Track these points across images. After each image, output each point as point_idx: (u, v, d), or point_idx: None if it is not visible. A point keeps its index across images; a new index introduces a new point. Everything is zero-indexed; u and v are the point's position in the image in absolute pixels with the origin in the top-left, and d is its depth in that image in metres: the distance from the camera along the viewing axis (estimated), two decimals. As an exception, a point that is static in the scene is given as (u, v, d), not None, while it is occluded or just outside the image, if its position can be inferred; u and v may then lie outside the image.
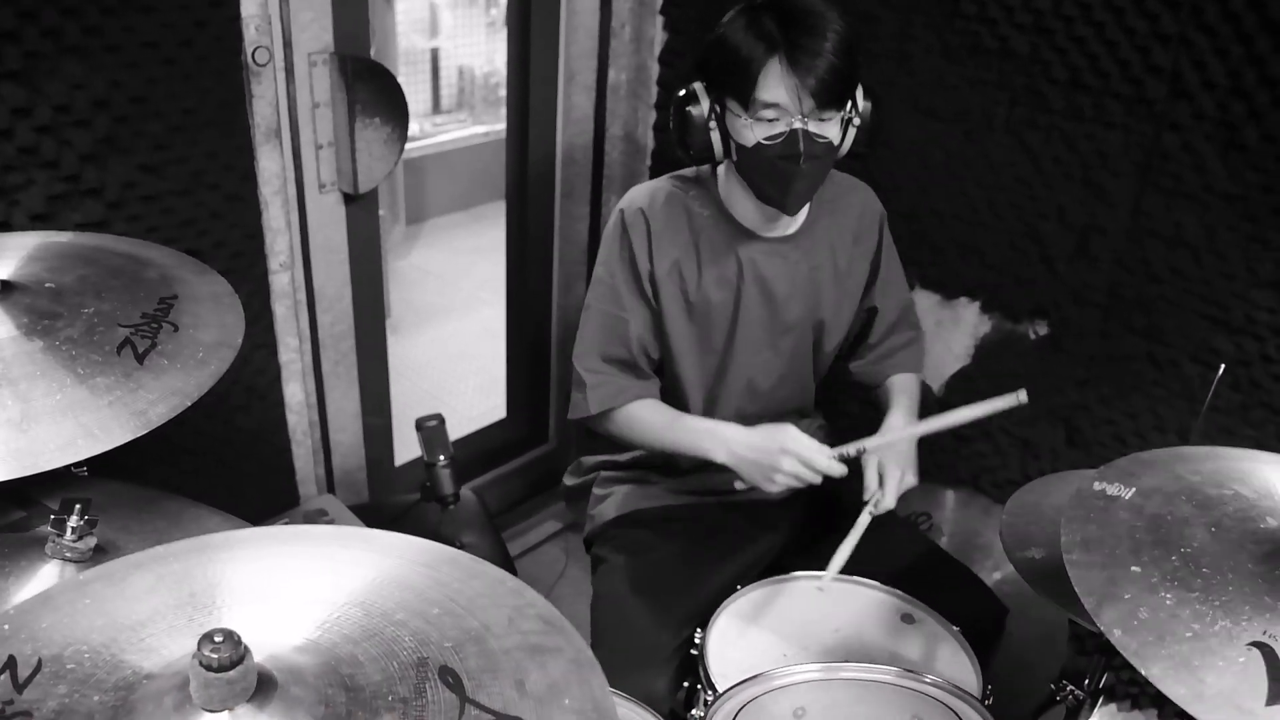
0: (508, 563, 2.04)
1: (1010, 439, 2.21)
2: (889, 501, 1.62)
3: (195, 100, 1.70)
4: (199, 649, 0.72)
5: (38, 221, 1.57)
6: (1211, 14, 1.71)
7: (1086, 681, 1.58)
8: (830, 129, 1.52)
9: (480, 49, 5.22)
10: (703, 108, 1.57)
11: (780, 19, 1.48)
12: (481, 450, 2.82)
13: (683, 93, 1.60)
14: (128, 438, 1.07)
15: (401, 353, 3.89)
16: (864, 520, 1.61)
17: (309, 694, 0.77)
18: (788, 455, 1.56)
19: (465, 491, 2.08)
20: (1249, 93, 1.71)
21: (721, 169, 1.71)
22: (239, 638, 0.74)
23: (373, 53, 2.22)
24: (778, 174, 1.54)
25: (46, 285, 1.23)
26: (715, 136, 1.58)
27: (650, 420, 1.73)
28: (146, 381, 1.13)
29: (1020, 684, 1.86)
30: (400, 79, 2.06)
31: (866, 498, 1.64)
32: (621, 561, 1.78)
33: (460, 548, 2.03)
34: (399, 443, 2.57)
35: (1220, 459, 1.21)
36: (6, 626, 0.85)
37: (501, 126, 2.90)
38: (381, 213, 2.66)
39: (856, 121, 1.56)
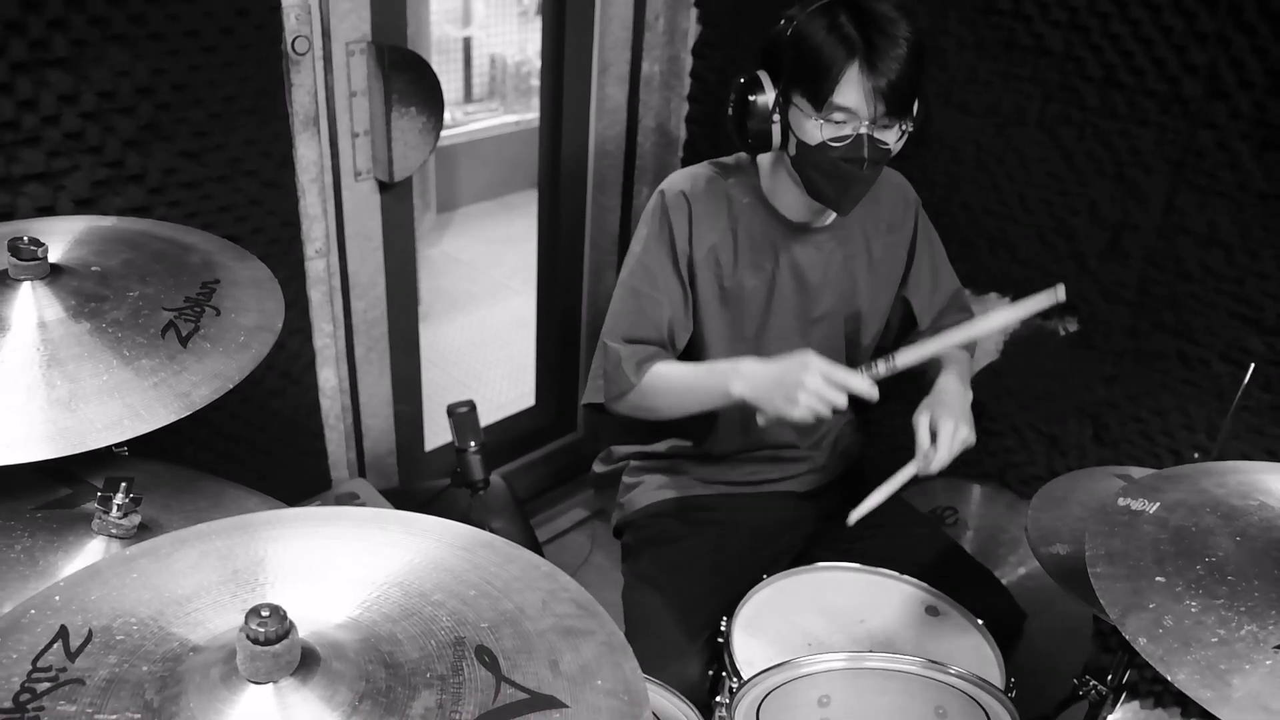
0: (536, 548, 2.06)
1: (1037, 435, 2.21)
2: (943, 458, 1.53)
3: (235, 88, 1.72)
4: (246, 623, 0.75)
5: (82, 206, 1.61)
6: (1250, 12, 1.70)
7: (1109, 677, 1.58)
8: (890, 135, 1.52)
9: (513, 38, 5.23)
10: (767, 98, 1.56)
11: (859, 22, 1.46)
12: (510, 437, 2.85)
13: (744, 80, 1.58)
14: (172, 419, 1.10)
15: (431, 340, 3.91)
16: (905, 473, 1.53)
17: (350, 669, 0.79)
18: (810, 371, 1.47)
19: (495, 477, 2.11)
20: (1287, 91, 1.71)
21: (765, 159, 1.71)
22: (284, 613, 0.76)
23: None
24: (839, 175, 1.54)
25: (93, 269, 1.25)
26: (776, 128, 1.57)
27: (670, 373, 1.69)
28: (190, 364, 1.15)
29: (1043, 678, 1.87)
30: (432, 67, 2.08)
31: (918, 456, 1.55)
32: (652, 551, 1.80)
33: (490, 533, 2.06)
34: (429, 428, 2.60)
35: (1245, 472, 1.22)
36: (58, 598, 0.88)
37: (533, 116, 2.92)
38: (413, 203, 2.69)
39: (909, 128, 1.55)
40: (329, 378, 2.11)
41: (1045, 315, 2.12)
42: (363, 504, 2.11)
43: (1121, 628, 1.00)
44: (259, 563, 0.92)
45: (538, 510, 2.87)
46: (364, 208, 2.10)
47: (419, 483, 2.47)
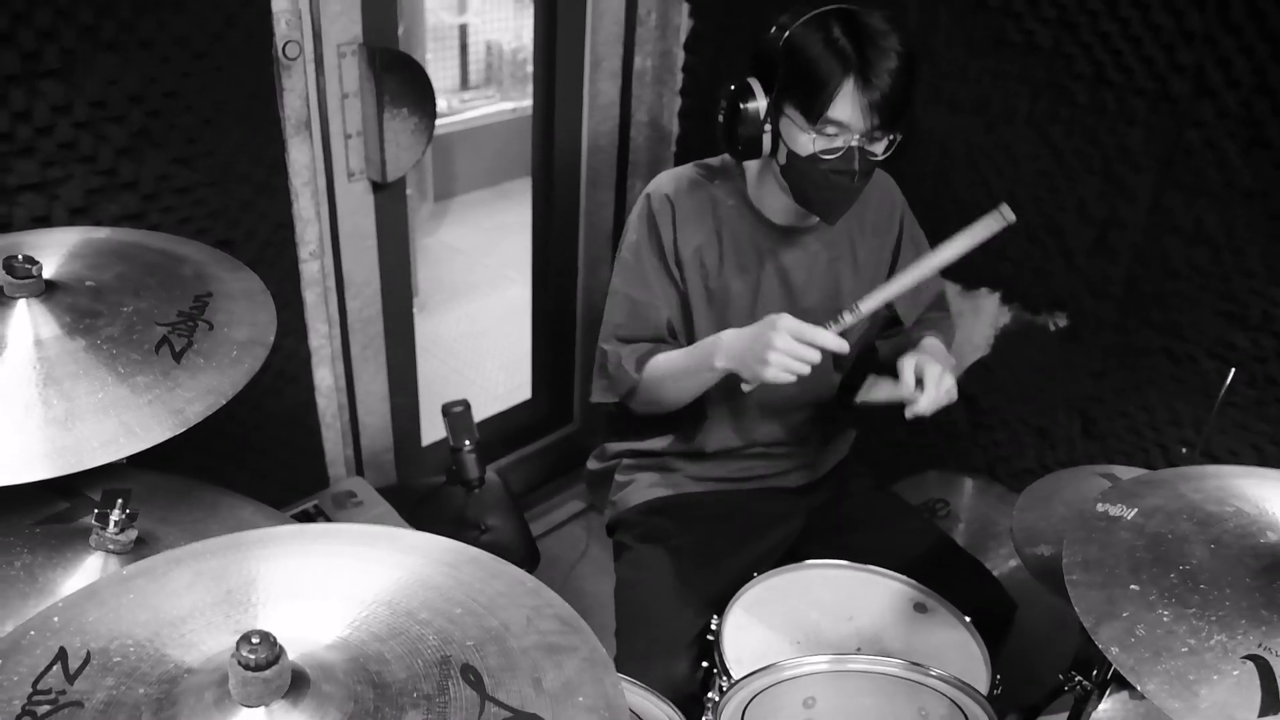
0: (530, 545, 2.09)
1: (1027, 428, 2.23)
2: (931, 397, 1.56)
3: (227, 94, 1.74)
4: (238, 649, 0.77)
5: (77, 215, 1.62)
6: (1237, 11, 1.71)
7: (1094, 672, 1.60)
8: (880, 146, 1.54)
9: (508, 24, 5.22)
10: (759, 106, 1.56)
11: (853, 35, 1.47)
12: (507, 431, 2.87)
13: (735, 87, 1.58)
14: (166, 435, 1.12)
15: (429, 330, 3.94)
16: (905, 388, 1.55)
17: (339, 690, 0.81)
18: (778, 331, 1.51)
19: (490, 474, 2.13)
20: (1273, 90, 1.72)
21: (752, 164, 1.72)
22: (274, 639, 0.78)
23: (401, 30, 2.24)
24: (829, 187, 1.55)
25: (87, 284, 1.27)
26: (767, 137, 1.58)
27: (666, 362, 1.72)
28: (184, 380, 1.17)
29: (1031, 673, 1.89)
30: (428, 55, 2.10)
31: (906, 398, 1.58)
32: (644, 550, 1.82)
33: (484, 530, 2.10)
34: (426, 423, 2.62)
35: (1223, 476, 1.23)
36: (56, 619, 0.90)
37: (529, 103, 2.94)
38: (409, 191, 2.69)
39: (898, 138, 1.56)
40: (325, 377, 2.14)
41: (1034, 310, 2.14)
42: (360, 502, 2.14)
43: (1095, 637, 1.02)
44: (251, 582, 0.94)
45: (535, 503, 2.90)
46: (357, 208, 2.12)
47: (416, 479, 2.50)
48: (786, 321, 1.51)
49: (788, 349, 1.50)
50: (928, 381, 1.57)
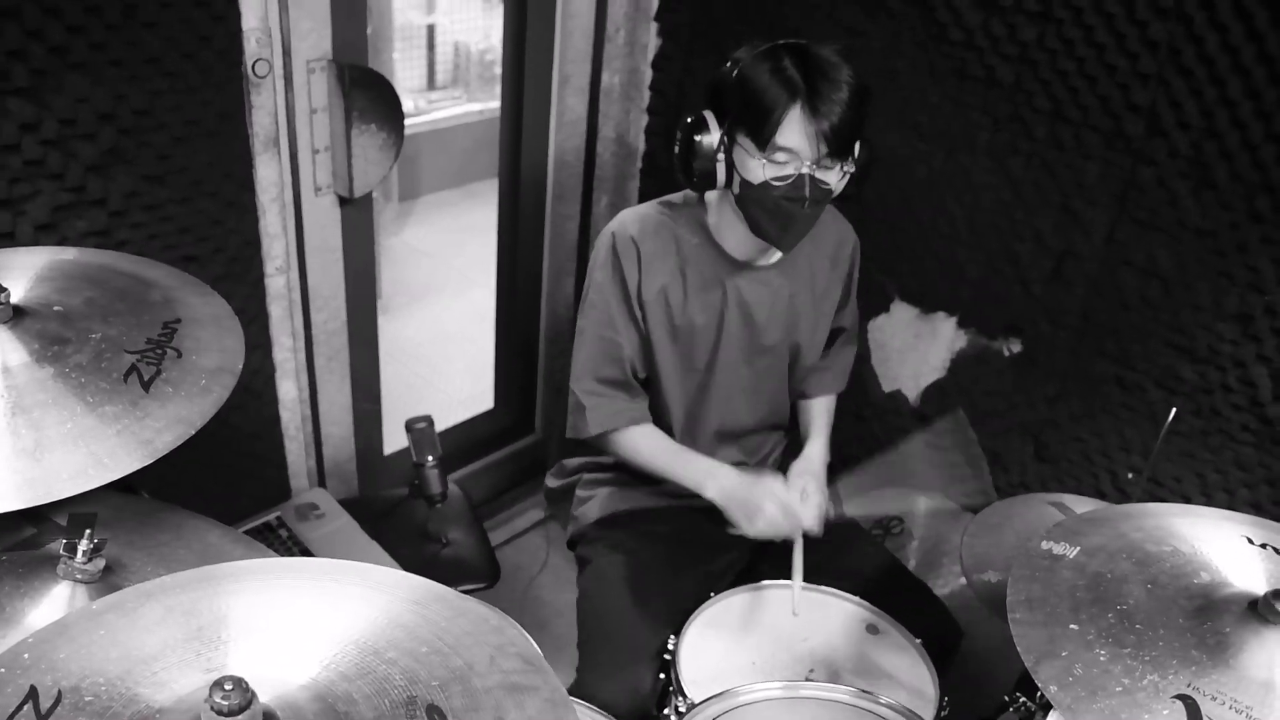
0: (491, 560, 2.10)
1: (981, 451, 2.28)
2: (817, 526, 1.74)
3: (197, 112, 1.74)
4: (210, 695, 0.79)
5: (43, 231, 1.62)
6: (1188, 56, 1.77)
7: (1039, 694, 1.65)
8: (832, 176, 1.58)
9: (477, 24, 5.21)
10: (713, 138, 1.61)
11: (803, 65, 1.52)
12: (469, 440, 2.89)
13: (690, 119, 1.63)
14: (135, 467, 1.12)
15: (393, 334, 3.93)
16: (799, 550, 1.73)
17: (308, 732, 0.83)
18: (771, 501, 1.68)
19: (453, 489, 2.15)
20: (1221, 134, 1.77)
21: (712, 197, 1.76)
22: (246, 684, 0.80)
23: (369, 31, 2.24)
24: (781, 214, 1.59)
25: (55, 309, 1.27)
26: (721, 167, 1.62)
27: (651, 449, 1.83)
28: (153, 410, 1.18)
29: (978, 693, 1.94)
30: (395, 55, 2.10)
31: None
32: (605, 563, 1.85)
33: (446, 544, 2.11)
34: (388, 431, 2.63)
35: (1161, 515, 1.28)
36: (27, 656, 0.91)
37: (496, 104, 2.96)
38: (374, 195, 2.68)
39: (850, 169, 1.61)
40: (289, 390, 2.14)
41: (990, 335, 2.19)
42: (322, 514, 2.15)
43: (1035, 675, 1.06)
44: (221, 619, 0.95)
45: (496, 511, 2.91)
46: (324, 222, 2.12)
47: (379, 490, 2.51)
48: (781, 492, 1.70)
49: (773, 520, 1.68)
50: (814, 509, 1.75)
